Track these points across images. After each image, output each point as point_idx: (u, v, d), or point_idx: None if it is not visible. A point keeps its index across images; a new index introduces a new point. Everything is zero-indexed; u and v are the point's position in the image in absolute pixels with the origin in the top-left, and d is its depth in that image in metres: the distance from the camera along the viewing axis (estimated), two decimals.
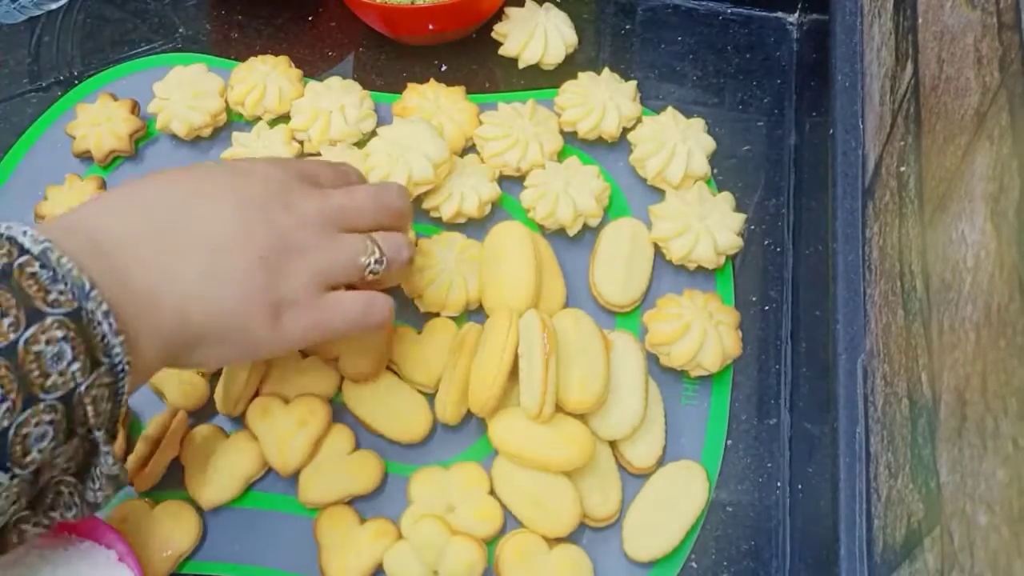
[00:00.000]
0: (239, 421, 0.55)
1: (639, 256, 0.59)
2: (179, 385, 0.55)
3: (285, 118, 0.65)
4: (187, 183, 0.44)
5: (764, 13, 0.71)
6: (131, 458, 0.53)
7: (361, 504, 0.54)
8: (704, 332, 0.55)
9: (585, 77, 0.65)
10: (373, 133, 0.64)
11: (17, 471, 0.35)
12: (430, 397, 0.56)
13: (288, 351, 0.48)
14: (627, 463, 0.54)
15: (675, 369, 0.56)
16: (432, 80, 0.66)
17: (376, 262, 0.47)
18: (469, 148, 0.64)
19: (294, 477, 0.54)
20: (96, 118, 0.64)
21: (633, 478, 0.54)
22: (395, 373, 0.56)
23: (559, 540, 0.52)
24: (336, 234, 0.46)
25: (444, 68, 0.69)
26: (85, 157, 0.64)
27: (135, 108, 0.65)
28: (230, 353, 0.44)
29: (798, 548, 0.53)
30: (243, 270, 0.42)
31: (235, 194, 0.44)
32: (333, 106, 0.63)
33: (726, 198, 0.61)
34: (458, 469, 0.54)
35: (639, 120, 0.64)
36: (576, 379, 0.53)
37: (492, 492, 0.53)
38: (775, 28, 0.70)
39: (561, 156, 0.63)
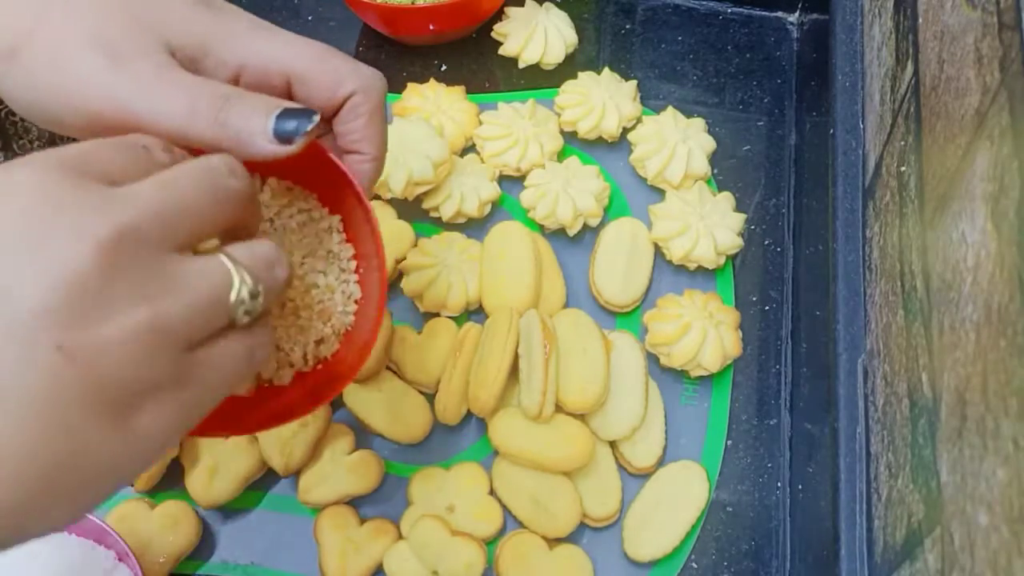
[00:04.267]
0: None
1: (639, 256, 0.59)
2: None
3: None
4: None
5: (764, 13, 0.71)
6: None
7: (361, 504, 0.54)
8: (704, 332, 0.55)
9: (585, 77, 0.65)
10: None
11: None
12: (430, 397, 0.56)
13: (160, 457, 0.33)
14: (627, 463, 0.54)
15: (675, 369, 0.56)
16: (432, 80, 0.66)
17: (250, 295, 0.30)
18: (469, 148, 0.64)
19: (294, 477, 0.54)
20: None
21: (633, 478, 0.54)
22: (395, 373, 0.56)
23: (559, 540, 0.52)
24: (169, 261, 0.28)
25: (444, 68, 0.68)
26: None
27: None
28: (84, 501, 0.28)
29: (798, 548, 0.53)
30: (33, 380, 0.25)
31: None
32: None
33: (726, 198, 0.60)
34: (458, 469, 0.54)
35: (639, 120, 0.64)
36: (576, 379, 0.53)
37: (492, 492, 0.53)
38: (775, 28, 0.70)
39: (561, 156, 0.63)
